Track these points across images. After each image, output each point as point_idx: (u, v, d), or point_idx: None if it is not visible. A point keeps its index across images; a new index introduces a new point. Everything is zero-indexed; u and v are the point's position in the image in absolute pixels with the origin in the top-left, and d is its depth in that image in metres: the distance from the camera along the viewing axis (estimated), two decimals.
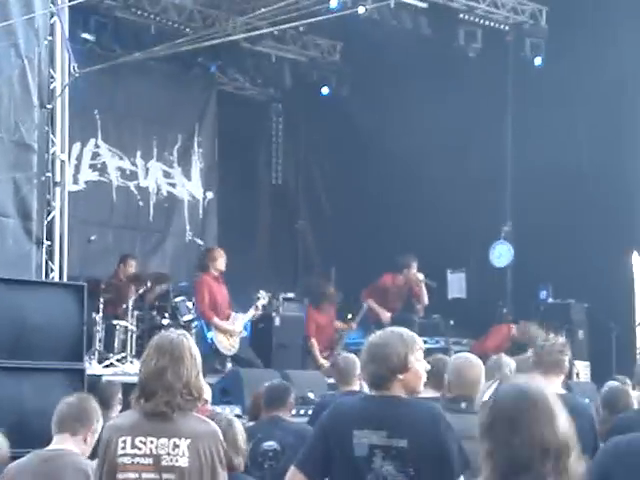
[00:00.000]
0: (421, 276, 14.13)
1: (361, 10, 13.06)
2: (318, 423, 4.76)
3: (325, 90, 17.35)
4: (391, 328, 4.84)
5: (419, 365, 4.66)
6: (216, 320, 12.30)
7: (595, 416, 6.03)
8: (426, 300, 14.22)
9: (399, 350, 4.57)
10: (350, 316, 14.20)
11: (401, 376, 4.56)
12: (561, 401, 5.88)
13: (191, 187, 17.40)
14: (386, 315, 13.95)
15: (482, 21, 14.78)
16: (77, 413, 5.36)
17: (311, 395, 10.14)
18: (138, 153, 16.66)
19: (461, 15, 14.54)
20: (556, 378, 5.93)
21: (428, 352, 6.52)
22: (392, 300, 14.25)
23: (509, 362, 6.38)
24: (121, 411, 8.20)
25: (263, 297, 12.73)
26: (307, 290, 14.64)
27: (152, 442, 4.42)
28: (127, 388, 7.97)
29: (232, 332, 12.37)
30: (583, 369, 14.02)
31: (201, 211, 17.48)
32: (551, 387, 5.78)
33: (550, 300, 14.68)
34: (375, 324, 13.96)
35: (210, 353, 11.95)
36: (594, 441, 5.67)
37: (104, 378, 10.07)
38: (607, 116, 14.05)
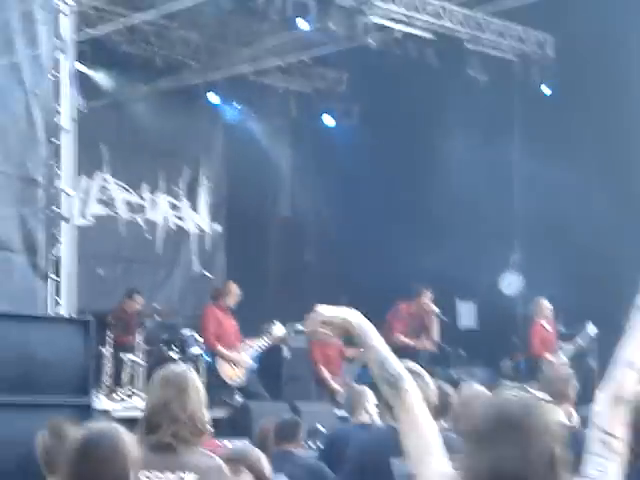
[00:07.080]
0: (434, 307, 14.00)
1: (371, 43, 13.12)
2: None
3: (332, 122, 17.36)
4: None
5: None
6: (220, 348, 12.21)
7: None
8: (436, 335, 14.06)
9: None
10: None
11: None
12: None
13: (199, 220, 17.38)
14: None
15: (488, 50, 14.75)
16: None
17: (321, 428, 10.05)
18: (145, 186, 16.68)
19: (467, 45, 14.52)
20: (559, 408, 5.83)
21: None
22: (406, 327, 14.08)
23: None
24: None
25: (278, 327, 12.65)
26: None
27: (157, 477, 4.35)
28: (136, 422, 7.92)
29: (237, 362, 12.27)
30: None
31: (209, 244, 17.44)
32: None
33: (561, 329, 14.55)
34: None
35: (218, 385, 11.87)
36: None
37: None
38: (615, 140, 13.99)
